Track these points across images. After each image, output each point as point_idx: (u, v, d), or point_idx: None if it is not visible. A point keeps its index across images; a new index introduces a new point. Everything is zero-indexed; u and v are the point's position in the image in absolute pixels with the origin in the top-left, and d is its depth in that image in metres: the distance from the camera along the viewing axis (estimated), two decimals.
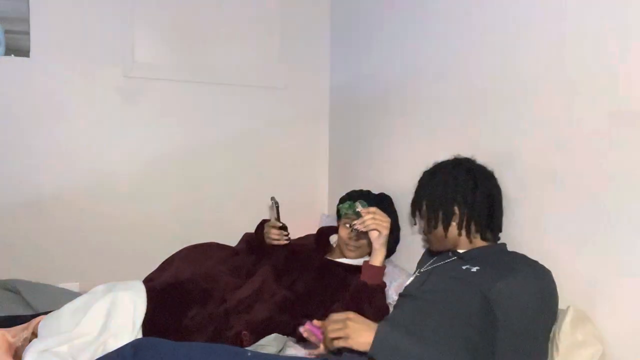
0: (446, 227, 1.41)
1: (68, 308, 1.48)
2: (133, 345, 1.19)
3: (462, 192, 1.39)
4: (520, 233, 1.46)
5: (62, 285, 2.07)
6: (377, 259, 1.62)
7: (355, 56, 2.51)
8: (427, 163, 1.53)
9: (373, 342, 1.16)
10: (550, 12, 1.37)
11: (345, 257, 1.90)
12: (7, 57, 2.21)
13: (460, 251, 1.41)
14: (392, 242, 2.00)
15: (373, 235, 1.61)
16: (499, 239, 1.47)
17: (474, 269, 1.30)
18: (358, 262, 1.85)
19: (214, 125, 2.57)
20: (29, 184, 2.24)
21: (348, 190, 2.04)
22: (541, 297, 1.21)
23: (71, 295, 1.76)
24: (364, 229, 1.60)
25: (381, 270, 1.62)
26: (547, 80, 1.38)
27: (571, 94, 1.31)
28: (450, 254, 1.44)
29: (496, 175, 1.46)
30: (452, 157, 1.51)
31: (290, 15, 2.68)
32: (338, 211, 1.99)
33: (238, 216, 2.56)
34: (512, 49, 1.50)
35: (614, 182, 1.20)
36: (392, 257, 2.04)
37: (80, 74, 2.29)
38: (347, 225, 1.88)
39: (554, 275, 1.24)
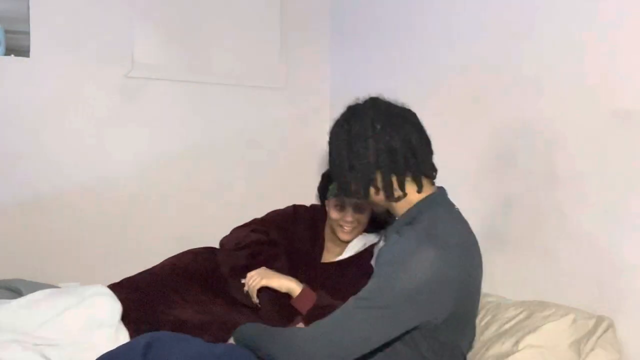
0: (366, 194, 1.28)
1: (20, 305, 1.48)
2: (145, 343, 1.18)
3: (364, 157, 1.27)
4: (521, 233, 1.46)
5: (62, 285, 2.06)
6: (294, 292, 1.59)
7: (355, 56, 2.51)
8: None
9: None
10: (552, 13, 1.37)
11: (341, 240, 1.86)
12: (7, 57, 2.21)
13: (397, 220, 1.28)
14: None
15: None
16: (434, 177, 1.31)
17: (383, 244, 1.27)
18: (352, 251, 1.86)
19: (214, 125, 2.56)
20: (29, 184, 2.24)
21: None
22: (405, 261, 1.11)
23: None
24: (255, 295, 1.63)
25: (306, 292, 1.59)
26: (547, 80, 1.38)
27: (571, 94, 1.31)
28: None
29: (496, 175, 1.46)
30: (340, 119, 1.43)
31: (290, 15, 2.68)
32: (323, 191, 1.92)
33: (238, 216, 2.55)
34: (513, 49, 1.50)
35: (613, 182, 1.20)
36: None
37: (80, 74, 2.28)
38: (337, 207, 1.81)
39: (554, 274, 1.25)
